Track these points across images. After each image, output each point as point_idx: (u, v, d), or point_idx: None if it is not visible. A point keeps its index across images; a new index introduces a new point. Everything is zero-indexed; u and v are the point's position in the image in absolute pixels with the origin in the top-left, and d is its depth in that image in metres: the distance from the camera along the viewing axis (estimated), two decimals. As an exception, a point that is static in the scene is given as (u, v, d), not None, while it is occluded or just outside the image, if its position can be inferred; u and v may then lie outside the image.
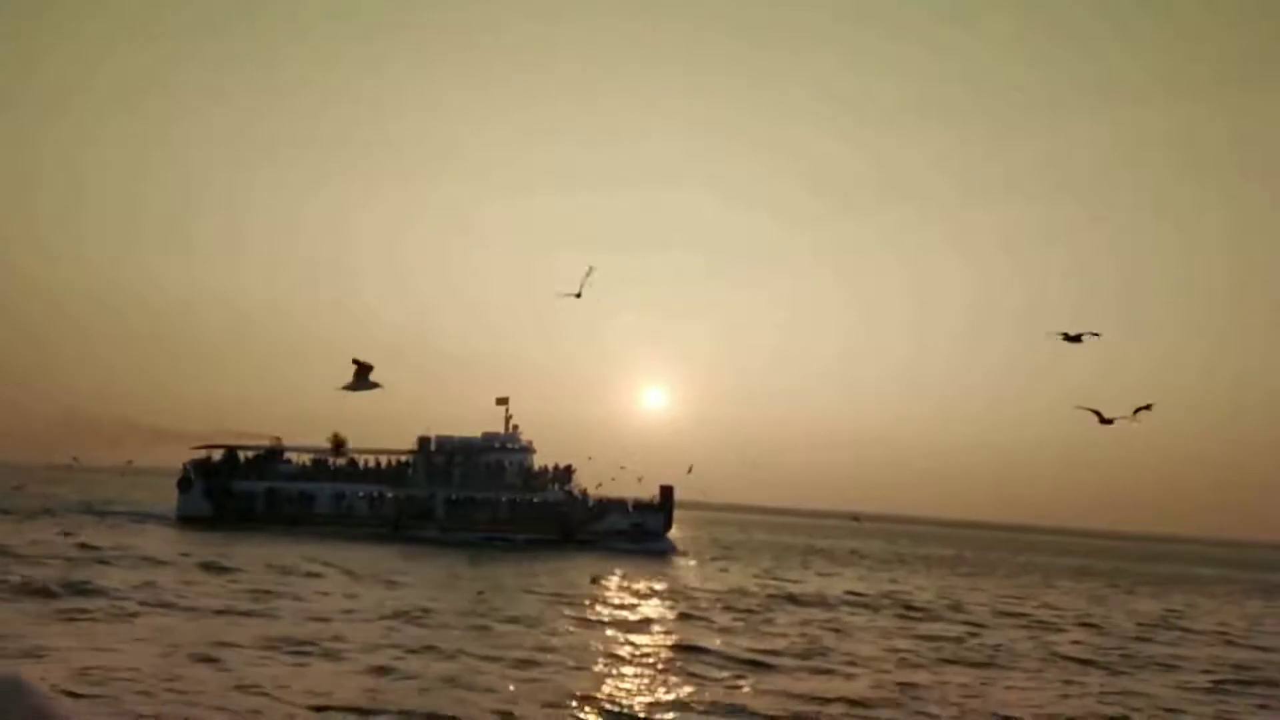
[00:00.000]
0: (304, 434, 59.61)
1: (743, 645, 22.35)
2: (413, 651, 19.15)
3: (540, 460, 58.06)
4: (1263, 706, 19.57)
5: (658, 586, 35.47)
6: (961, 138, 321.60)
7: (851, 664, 20.92)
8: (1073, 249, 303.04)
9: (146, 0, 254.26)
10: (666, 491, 57.87)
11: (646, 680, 17.81)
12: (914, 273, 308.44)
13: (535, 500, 56.81)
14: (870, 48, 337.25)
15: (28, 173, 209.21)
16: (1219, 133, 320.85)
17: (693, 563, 51.49)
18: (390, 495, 56.41)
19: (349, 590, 28.46)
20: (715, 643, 22.45)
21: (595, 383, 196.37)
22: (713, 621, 26.46)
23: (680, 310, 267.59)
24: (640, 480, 58.84)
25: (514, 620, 23.85)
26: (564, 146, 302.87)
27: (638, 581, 36.78)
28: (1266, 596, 59.62)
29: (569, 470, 58.24)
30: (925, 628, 28.47)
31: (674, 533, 62.37)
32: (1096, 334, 14.96)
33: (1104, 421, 16.52)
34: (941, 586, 46.19)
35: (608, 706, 15.52)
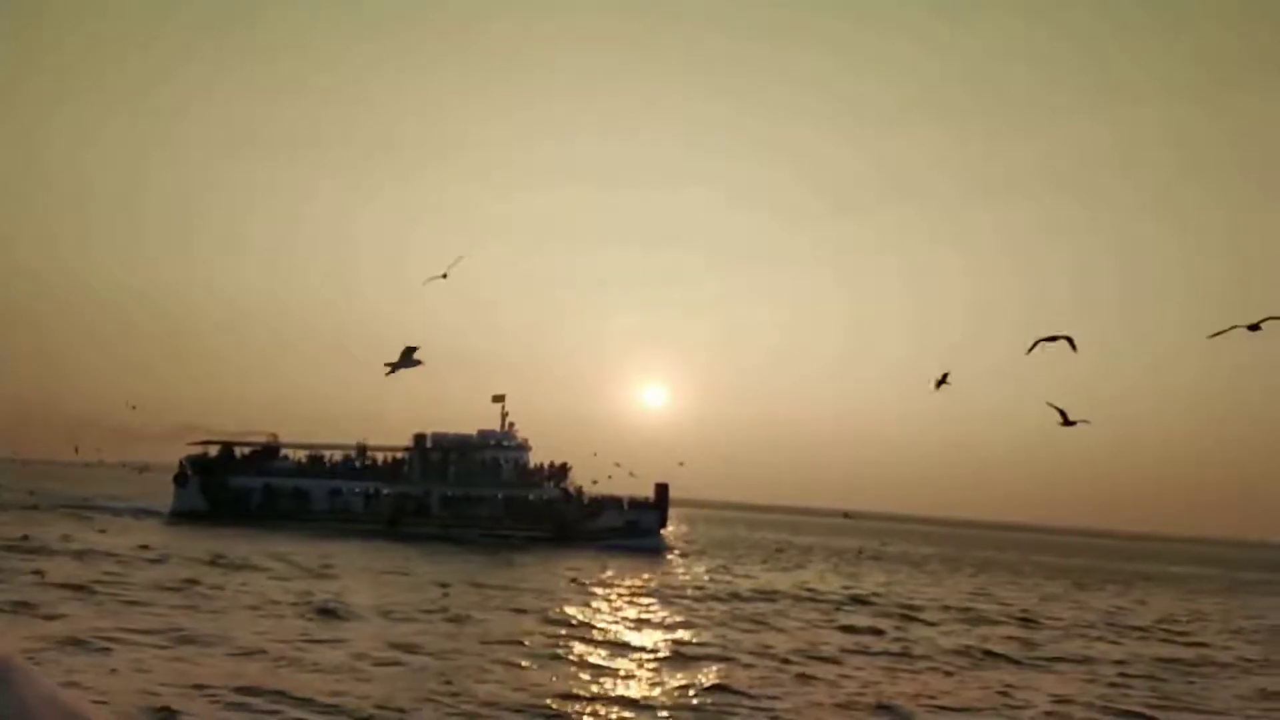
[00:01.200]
0: (302, 432, 59.88)
1: (662, 639, 22.67)
2: (315, 642, 19.18)
3: (541, 457, 58.42)
4: (1155, 703, 19.62)
5: (629, 582, 35.79)
6: (961, 137, 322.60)
7: (760, 656, 21.13)
8: (1072, 248, 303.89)
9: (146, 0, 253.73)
10: (661, 489, 58.11)
11: (529, 674, 17.78)
12: (913, 272, 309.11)
13: (530, 498, 57.02)
14: (871, 47, 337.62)
15: (28, 171, 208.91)
16: (1217, 133, 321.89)
17: (682, 560, 51.82)
18: (386, 492, 56.60)
19: (280, 583, 28.38)
20: (632, 636, 22.84)
21: (595, 380, 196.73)
22: (650, 616, 26.82)
23: (680, 309, 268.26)
24: (632, 475, 59.19)
25: (458, 618, 23.64)
26: (564, 145, 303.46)
27: (612, 578, 36.96)
28: (1228, 594, 59.57)
29: (564, 468, 58.49)
30: (858, 621, 28.72)
31: (669, 530, 62.67)
32: (1070, 338, 15.26)
33: (1066, 423, 16.80)
34: (899, 582, 46.47)
35: (453, 699, 15.32)
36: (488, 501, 56.63)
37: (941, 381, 17.78)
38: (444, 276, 22.61)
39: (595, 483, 58.87)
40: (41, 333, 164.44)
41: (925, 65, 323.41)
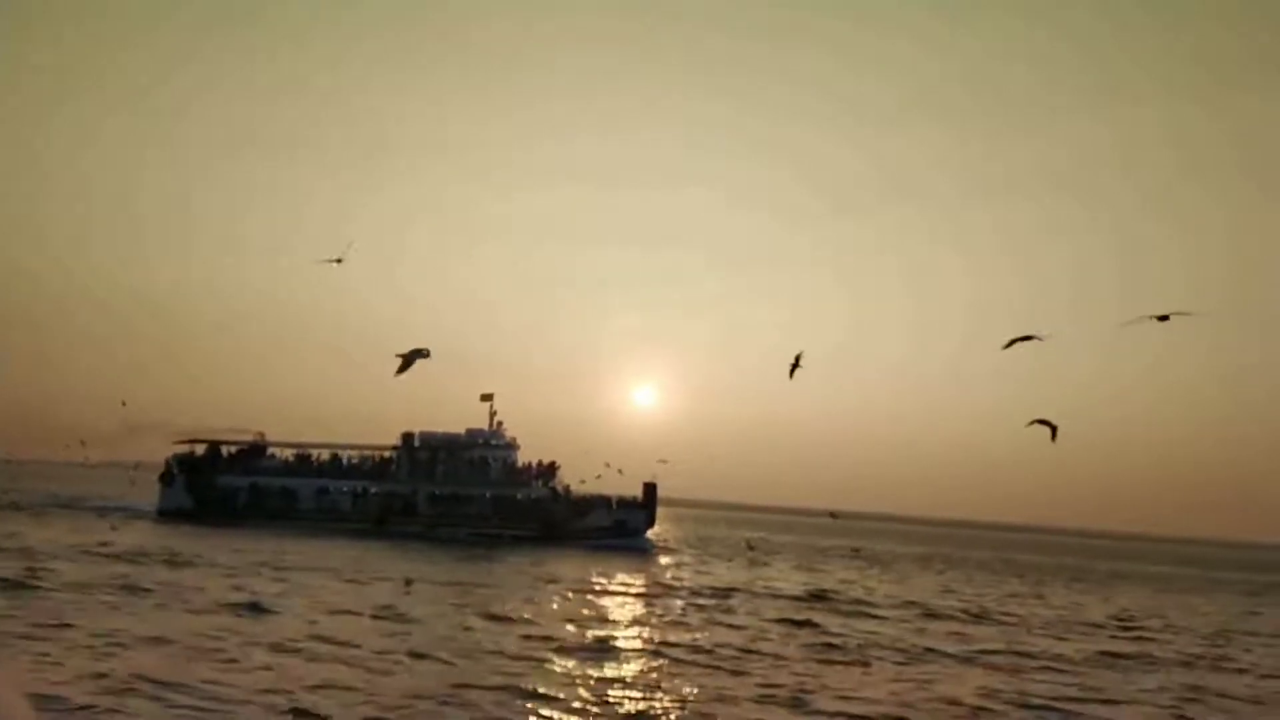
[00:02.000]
0: (296, 432, 59.74)
1: (598, 635, 22.71)
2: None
3: (538, 457, 58.38)
4: (1073, 695, 19.62)
5: (595, 580, 35.75)
6: (961, 137, 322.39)
7: (692, 650, 21.24)
8: (1071, 248, 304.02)
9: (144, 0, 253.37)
10: (649, 489, 58.00)
11: (432, 667, 17.80)
12: (913, 272, 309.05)
13: (519, 497, 56.90)
14: (871, 47, 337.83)
15: (25, 171, 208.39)
16: (1217, 133, 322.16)
17: (663, 559, 51.85)
18: (374, 491, 56.46)
19: (227, 580, 28.32)
20: (568, 632, 22.88)
21: (592, 380, 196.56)
22: (596, 613, 26.85)
23: (678, 308, 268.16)
24: (621, 473, 59.06)
25: (401, 615, 23.50)
26: (564, 145, 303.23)
27: (582, 577, 36.76)
28: (1191, 592, 59.03)
29: (553, 467, 58.38)
30: (805, 616, 28.81)
31: (657, 530, 62.61)
32: (1037, 336, 15.47)
33: (1043, 424, 17.01)
34: (862, 579, 46.41)
35: (331, 693, 15.37)
36: (475, 500, 56.49)
37: (795, 365, 17.46)
38: (338, 261, 23.18)
39: (584, 482, 58.80)
40: (37, 333, 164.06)
41: (925, 65, 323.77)
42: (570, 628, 23.67)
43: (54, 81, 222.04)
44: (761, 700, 16.86)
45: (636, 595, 32.25)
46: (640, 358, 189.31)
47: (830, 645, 23.45)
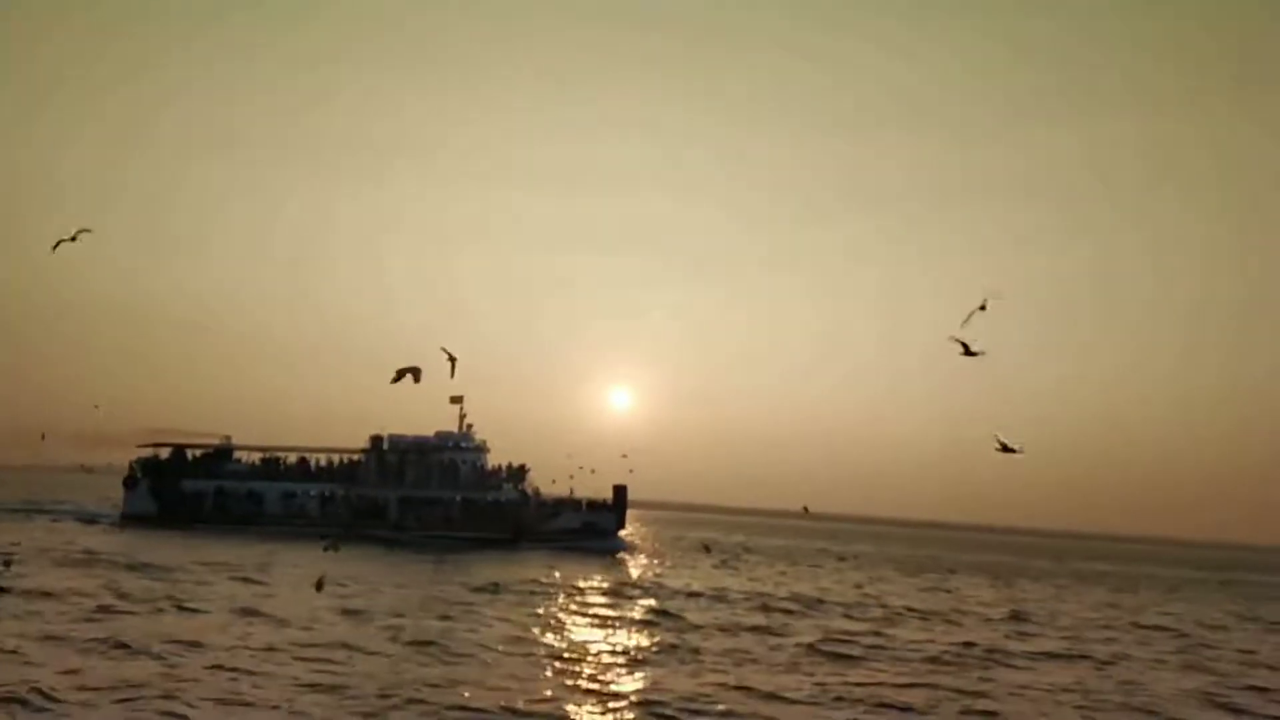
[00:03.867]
0: (261, 434, 59.18)
1: (504, 633, 22.85)
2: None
3: (511, 458, 58.23)
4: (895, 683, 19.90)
5: (532, 582, 35.47)
6: (929, 144, 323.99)
7: (613, 653, 21.31)
8: (1041, 254, 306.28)
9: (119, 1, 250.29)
10: (619, 491, 57.93)
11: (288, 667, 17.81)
12: (881, 277, 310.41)
13: (488, 500, 56.66)
14: (839, 54, 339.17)
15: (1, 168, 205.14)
16: (1188, 140, 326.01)
17: (641, 560, 51.77)
18: (342, 495, 56.01)
19: (138, 583, 28.18)
20: (440, 630, 22.88)
21: (564, 383, 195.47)
22: (487, 612, 26.78)
23: (649, 313, 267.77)
24: (594, 473, 58.93)
25: (278, 619, 23.31)
26: (535, 150, 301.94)
27: (527, 579, 36.34)
28: (1127, 590, 58.88)
29: (523, 469, 58.22)
30: (731, 617, 28.96)
31: (628, 531, 62.53)
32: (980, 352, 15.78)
33: (1006, 450, 17.15)
34: (807, 579, 46.62)
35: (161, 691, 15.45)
36: (445, 504, 56.19)
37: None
38: (73, 239, 24.04)
39: (554, 482, 58.69)
40: (5, 336, 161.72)
41: (893, 72, 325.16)
42: (445, 624, 23.71)
43: (21, 85, 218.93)
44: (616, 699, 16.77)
45: (559, 596, 31.88)
46: (612, 362, 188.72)
47: (680, 645, 23.39)
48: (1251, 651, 30.87)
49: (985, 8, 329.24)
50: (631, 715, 16.10)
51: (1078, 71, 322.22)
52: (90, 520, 53.55)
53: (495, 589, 32.07)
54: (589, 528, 57.13)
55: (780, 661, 21.71)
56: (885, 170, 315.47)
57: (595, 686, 17.85)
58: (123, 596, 25.26)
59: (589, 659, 20.53)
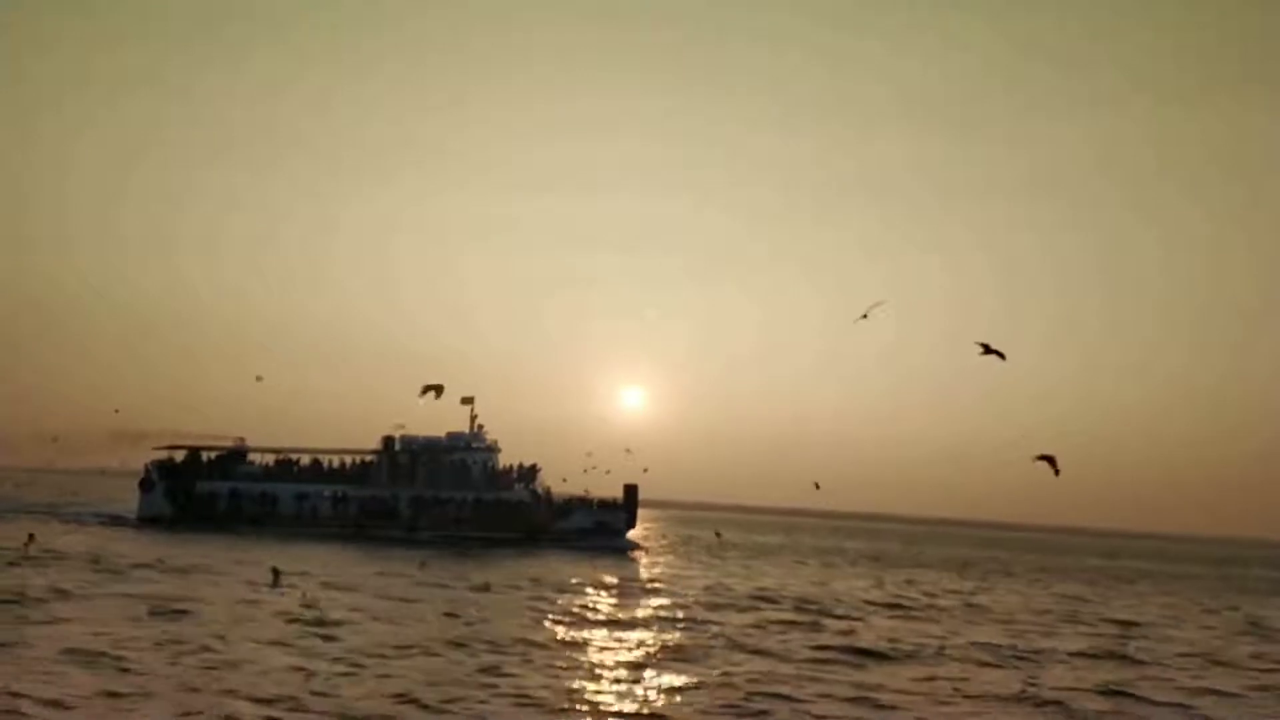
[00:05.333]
0: (271, 436, 59.75)
1: (508, 634, 22.83)
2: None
3: (526, 459, 58.61)
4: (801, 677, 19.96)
5: (522, 579, 35.57)
6: (938, 140, 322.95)
7: (619, 653, 21.38)
8: (1052, 250, 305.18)
9: (126, 2, 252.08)
10: (630, 490, 58.27)
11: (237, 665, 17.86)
12: (894, 274, 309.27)
13: (500, 499, 57.03)
14: (850, 52, 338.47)
15: (6, 172, 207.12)
16: (1197, 134, 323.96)
17: (652, 559, 52.10)
18: (354, 495, 56.48)
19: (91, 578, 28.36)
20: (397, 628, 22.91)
21: (576, 383, 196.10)
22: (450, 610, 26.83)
23: (659, 312, 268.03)
24: (609, 473, 59.42)
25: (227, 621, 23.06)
26: (542, 151, 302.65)
27: (515, 578, 36.33)
28: (1089, 585, 58.32)
29: (534, 469, 58.60)
30: (740, 616, 29.06)
31: (638, 530, 62.85)
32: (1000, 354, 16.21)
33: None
34: (782, 575, 46.75)
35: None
36: (456, 504, 56.58)
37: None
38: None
39: (565, 481, 59.09)
40: (17, 337, 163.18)
41: (903, 69, 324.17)
42: (413, 625, 23.67)
43: (28, 87, 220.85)
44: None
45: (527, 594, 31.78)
46: (622, 361, 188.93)
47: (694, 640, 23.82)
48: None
49: (992, 2, 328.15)
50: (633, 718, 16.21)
51: (1085, 66, 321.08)
52: (107, 522, 54.12)
53: (487, 588, 31.99)
54: (600, 527, 57.48)
55: (793, 661, 21.79)
56: (893, 166, 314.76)
57: (594, 687, 18.05)
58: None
59: (592, 659, 20.71)
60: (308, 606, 24.10)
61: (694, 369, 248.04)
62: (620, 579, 38.52)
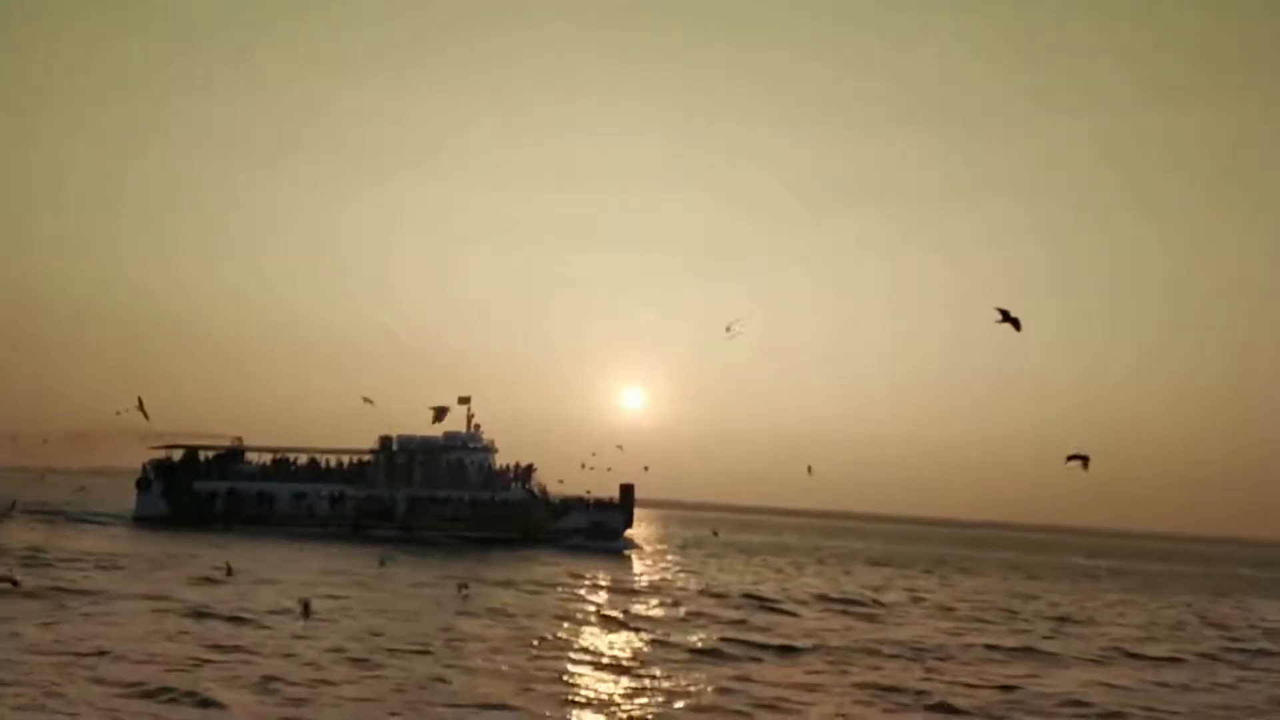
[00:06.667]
0: (269, 435, 59.80)
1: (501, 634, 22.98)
2: None
3: (526, 459, 58.69)
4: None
5: (497, 579, 35.41)
6: (941, 140, 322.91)
7: (608, 654, 21.47)
8: (1056, 249, 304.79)
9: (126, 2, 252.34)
10: (627, 490, 58.26)
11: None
12: (895, 274, 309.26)
13: (496, 499, 57.08)
14: (852, 51, 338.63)
15: (6, 172, 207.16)
16: (1200, 133, 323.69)
17: (647, 559, 52.16)
18: (351, 495, 56.54)
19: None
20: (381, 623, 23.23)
21: (576, 383, 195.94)
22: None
23: (660, 311, 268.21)
24: (609, 470, 59.27)
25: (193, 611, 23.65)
26: (544, 148, 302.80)
27: (494, 576, 36.31)
28: (1054, 581, 58.49)
29: (530, 469, 58.65)
30: (731, 614, 29.34)
31: (636, 530, 62.84)
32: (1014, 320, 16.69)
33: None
34: (771, 574, 47.11)
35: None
36: (453, 503, 56.64)
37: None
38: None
39: (561, 482, 59.06)
40: (19, 340, 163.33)
41: (905, 68, 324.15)
42: (374, 618, 23.96)
43: (27, 88, 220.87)
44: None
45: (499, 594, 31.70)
46: (621, 361, 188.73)
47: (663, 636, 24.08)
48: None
49: (993, 2, 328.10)
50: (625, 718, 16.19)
51: (1091, 65, 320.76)
52: (102, 522, 54.09)
53: (465, 587, 31.25)
54: (597, 527, 57.48)
55: (777, 661, 21.83)
56: (897, 165, 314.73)
57: (594, 687, 18.12)
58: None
59: (584, 661, 20.70)
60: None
61: (694, 369, 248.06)
62: (615, 580, 38.49)
